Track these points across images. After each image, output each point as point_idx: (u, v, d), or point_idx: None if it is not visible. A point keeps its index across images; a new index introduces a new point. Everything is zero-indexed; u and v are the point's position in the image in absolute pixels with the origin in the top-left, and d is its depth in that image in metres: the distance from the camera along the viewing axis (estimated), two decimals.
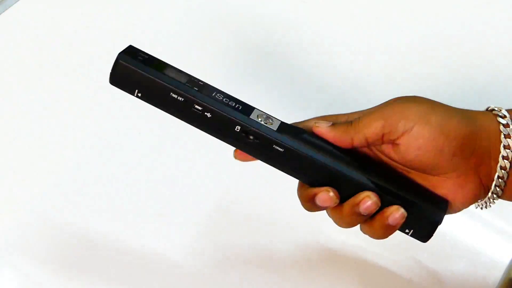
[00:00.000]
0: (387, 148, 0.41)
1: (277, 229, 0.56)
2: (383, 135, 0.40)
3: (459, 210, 0.43)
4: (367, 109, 0.42)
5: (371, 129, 0.40)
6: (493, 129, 0.40)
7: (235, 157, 0.43)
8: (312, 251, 0.55)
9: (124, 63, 0.40)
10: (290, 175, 0.43)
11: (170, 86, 0.40)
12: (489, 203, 0.42)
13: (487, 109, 0.42)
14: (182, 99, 0.41)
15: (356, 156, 0.43)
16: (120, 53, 0.41)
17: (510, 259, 0.55)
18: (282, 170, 0.43)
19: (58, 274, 0.53)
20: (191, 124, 0.42)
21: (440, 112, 0.40)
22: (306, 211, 0.43)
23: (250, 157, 0.43)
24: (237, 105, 0.41)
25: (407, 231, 0.43)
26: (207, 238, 0.56)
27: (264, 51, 0.68)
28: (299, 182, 0.44)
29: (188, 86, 0.40)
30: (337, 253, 0.55)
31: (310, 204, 0.42)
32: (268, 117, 0.42)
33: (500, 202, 0.43)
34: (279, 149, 0.41)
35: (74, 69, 0.66)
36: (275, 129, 0.41)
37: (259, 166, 0.44)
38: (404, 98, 0.42)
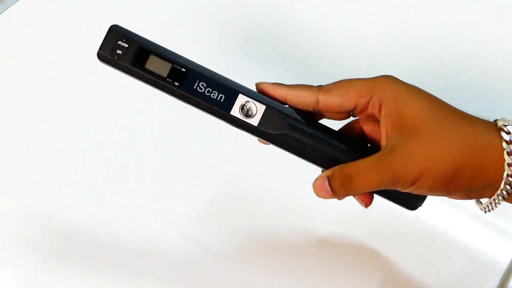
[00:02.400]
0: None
1: (279, 216, 0.56)
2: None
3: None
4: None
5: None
6: (495, 149, 0.39)
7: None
8: (309, 240, 0.55)
9: (103, 57, 0.41)
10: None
11: (151, 84, 0.41)
12: (494, 204, 0.42)
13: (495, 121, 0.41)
14: (165, 92, 0.42)
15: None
16: (102, 43, 0.41)
17: (510, 259, 0.55)
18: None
19: (58, 274, 0.53)
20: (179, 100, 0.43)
21: (453, 159, 0.39)
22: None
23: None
24: (220, 96, 0.41)
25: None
26: (207, 226, 0.56)
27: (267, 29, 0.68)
28: None
29: (168, 81, 0.41)
30: (335, 248, 0.55)
31: None
32: (251, 106, 0.42)
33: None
34: (265, 141, 0.43)
35: (74, 69, 0.66)
36: (255, 124, 0.42)
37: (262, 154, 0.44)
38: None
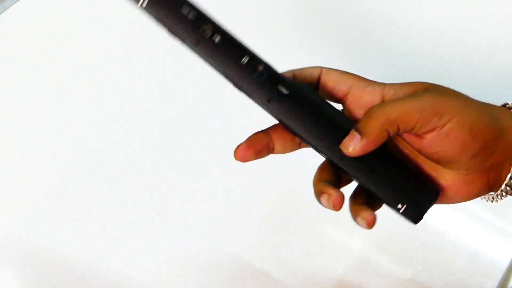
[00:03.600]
0: (408, 136, 0.40)
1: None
2: (412, 128, 0.39)
3: (457, 203, 0.43)
4: (392, 89, 0.41)
5: (404, 123, 0.38)
6: None
7: (236, 156, 0.41)
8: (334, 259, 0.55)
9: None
10: (290, 128, 0.40)
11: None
12: (497, 198, 0.42)
13: (504, 105, 0.42)
14: (193, 15, 0.38)
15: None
16: None
17: (510, 259, 0.55)
18: (283, 121, 0.40)
19: (59, 274, 0.53)
20: (194, 50, 0.39)
21: (472, 111, 0.39)
22: None
23: (251, 155, 0.41)
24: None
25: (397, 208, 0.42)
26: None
27: None
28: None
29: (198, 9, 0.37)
30: (335, 255, 0.55)
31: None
32: (260, 61, 0.39)
33: (500, 202, 0.43)
34: (284, 91, 0.39)
35: (74, 70, 0.66)
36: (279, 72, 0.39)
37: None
38: (436, 89, 0.40)
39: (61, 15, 0.70)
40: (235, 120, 0.57)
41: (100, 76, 0.63)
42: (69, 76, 0.65)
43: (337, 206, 0.39)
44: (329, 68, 0.42)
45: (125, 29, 0.69)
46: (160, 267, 0.54)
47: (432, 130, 0.39)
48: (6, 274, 0.54)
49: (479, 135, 0.39)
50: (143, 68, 0.62)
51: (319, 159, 0.42)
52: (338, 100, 0.42)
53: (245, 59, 0.38)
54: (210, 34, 0.38)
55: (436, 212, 0.56)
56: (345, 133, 0.39)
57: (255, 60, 0.38)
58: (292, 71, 0.42)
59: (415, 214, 0.42)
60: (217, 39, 0.38)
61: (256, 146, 0.40)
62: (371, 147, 0.39)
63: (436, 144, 0.39)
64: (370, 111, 0.39)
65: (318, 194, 0.40)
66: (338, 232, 0.55)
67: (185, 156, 0.60)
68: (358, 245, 0.55)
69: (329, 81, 0.42)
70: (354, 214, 0.40)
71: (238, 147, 0.41)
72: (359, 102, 0.41)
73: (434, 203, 0.42)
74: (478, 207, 0.55)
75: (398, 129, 0.39)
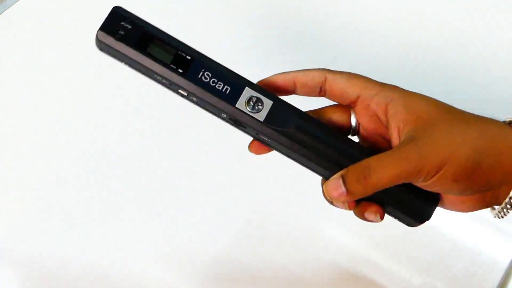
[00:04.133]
0: None
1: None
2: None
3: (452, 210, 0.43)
4: (394, 108, 0.40)
5: (390, 185, 0.38)
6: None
7: (250, 150, 0.42)
8: (324, 259, 0.55)
9: (104, 36, 0.39)
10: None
11: (153, 70, 0.38)
12: (500, 215, 0.41)
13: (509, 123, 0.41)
14: (166, 82, 0.39)
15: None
16: (104, 21, 0.39)
17: (510, 259, 0.55)
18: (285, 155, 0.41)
19: (59, 273, 0.53)
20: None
21: (463, 155, 0.37)
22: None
23: (264, 150, 0.42)
24: (225, 87, 0.39)
25: (395, 217, 0.42)
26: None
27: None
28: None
29: (172, 68, 0.38)
30: (336, 255, 0.55)
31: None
32: (258, 100, 0.39)
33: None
34: (266, 139, 0.40)
35: (74, 70, 0.66)
36: (262, 119, 0.39)
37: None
38: (431, 123, 0.39)
39: (61, 15, 0.70)
40: None
41: (100, 76, 0.63)
42: (69, 76, 0.65)
43: (352, 207, 0.40)
44: (335, 73, 0.41)
45: None
46: (160, 267, 0.54)
47: (421, 181, 0.38)
48: (6, 274, 0.54)
49: (472, 179, 0.38)
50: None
51: None
52: (347, 104, 0.42)
53: (224, 115, 0.39)
54: (186, 95, 0.39)
55: (436, 212, 0.56)
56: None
57: (232, 117, 0.39)
58: (294, 74, 0.42)
59: (421, 220, 0.42)
60: (194, 98, 0.39)
61: None
62: (353, 201, 0.40)
63: (427, 187, 0.39)
64: (357, 176, 0.38)
65: (361, 215, 0.41)
66: (336, 231, 0.55)
67: (185, 156, 0.60)
68: (357, 245, 0.55)
69: (336, 89, 0.41)
70: (361, 211, 0.41)
71: (252, 140, 0.42)
72: (367, 110, 0.41)
73: (433, 211, 0.41)
74: None
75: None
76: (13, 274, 0.54)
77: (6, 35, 0.68)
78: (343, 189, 0.38)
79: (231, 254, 0.55)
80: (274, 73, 0.42)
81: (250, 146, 0.42)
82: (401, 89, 0.40)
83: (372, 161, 0.38)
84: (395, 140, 0.40)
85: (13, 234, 0.56)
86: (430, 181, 0.38)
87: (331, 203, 0.40)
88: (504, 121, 0.40)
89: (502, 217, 0.41)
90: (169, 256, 0.55)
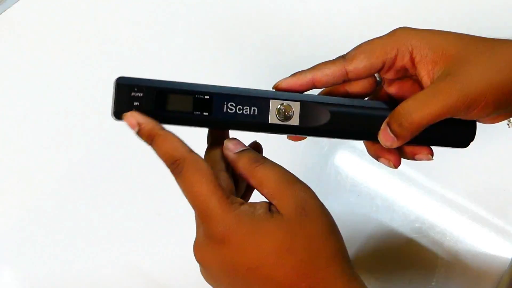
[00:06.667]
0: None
1: None
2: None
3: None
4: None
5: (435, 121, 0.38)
6: None
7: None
8: None
9: (120, 112, 0.38)
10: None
11: (182, 122, 0.39)
12: None
13: None
14: (197, 127, 0.40)
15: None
16: (114, 99, 0.38)
17: (510, 258, 0.55)
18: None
19: (58, 274, 0.53)
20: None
21: (507, 71, 0.38)
22: None
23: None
24: (252, 109, 0.39)
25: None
26: None
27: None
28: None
29: (197, 115, 0.39)
30: None
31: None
32: (286, 108, 0.40)
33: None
34: (306, 136, 0.41)
35: (74, 69, 0.66)
36: (297, 123, 0.40)
37: None
38: (461, 62, 0.39)
39: (61, 15, 0.70)
40: None
41: (100, 76, 0.63)
42: (69, 76, 0.65)
43: (397, 165, 0.41)
44: (352, 59, 0.41)
45: (125, 29, 0.69)
46: (159, 267, 0.54)
47: (463, 115, 0.39)
48: (6, 274, 0.54)
49: (510, 102, 0.38)
50: (143, 67, 0.62)
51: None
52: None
53: (263, 133, 0.40)
54: (221, 128, 0.40)
55: (436, 212, 0.56)
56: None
57: (272, 133, 0.40)
58: (311, 75, 0.41)
59: (467, 144, 0.42)
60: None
61: None
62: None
63: (468, 118, 0.39)
64: (401, 119, 0.39)
65: (376, 158, 0.42)
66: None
67: None
68: (356, 245, 0.55)
69: (361, 73, 0.41)
70: (411, 155, 0.42)
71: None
72: (393, 67, 0.41)
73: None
74: (478, 207, 0.55)
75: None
76: (13, 274, 0.54)
77: (6, 35, 0.68)
78: (391, 135, 0.39)
79: None
80: (285, 77, 0.42)
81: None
82: (415, 31, 0.40)
83: (410, 103, 0.38)
84: (426, 83, 0.40)
85: (13, 234, 0.56)
86: (473, 113, 0.38)
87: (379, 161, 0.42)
88: None
89: None
90: (169, 256, 0.55)
